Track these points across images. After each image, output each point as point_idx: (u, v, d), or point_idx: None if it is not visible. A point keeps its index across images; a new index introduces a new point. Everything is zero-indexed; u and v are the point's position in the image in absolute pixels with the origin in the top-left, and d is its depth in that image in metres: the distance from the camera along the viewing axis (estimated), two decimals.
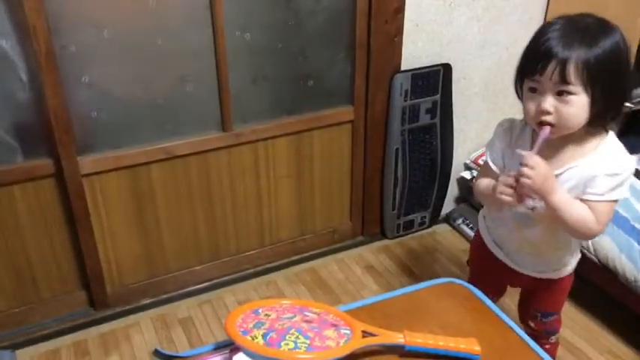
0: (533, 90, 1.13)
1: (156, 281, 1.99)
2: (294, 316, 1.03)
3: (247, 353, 0.88)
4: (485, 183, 1.30)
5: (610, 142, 1.18)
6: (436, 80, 2.12)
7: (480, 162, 2.31)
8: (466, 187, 2.41)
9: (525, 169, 1.12)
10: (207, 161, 1.90)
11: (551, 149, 1.19)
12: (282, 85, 1.94)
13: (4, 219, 1.68)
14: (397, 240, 2.33)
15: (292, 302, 1.10)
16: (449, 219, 2.44)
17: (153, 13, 1.64)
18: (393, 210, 2.27)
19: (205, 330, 1.87)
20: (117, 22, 1.60)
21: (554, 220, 1.20)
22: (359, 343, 0.93)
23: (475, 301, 1.10)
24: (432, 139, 2.22)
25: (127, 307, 1.95)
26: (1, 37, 1.48)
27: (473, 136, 2.36)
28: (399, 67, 2.05)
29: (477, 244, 1.47)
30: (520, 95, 1.19)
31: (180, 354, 1.01)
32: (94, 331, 1.86)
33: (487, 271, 1.46)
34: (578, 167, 1.17)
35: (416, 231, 2.38)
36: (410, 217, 2.33)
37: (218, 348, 1.01)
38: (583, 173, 1.17)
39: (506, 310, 1.26)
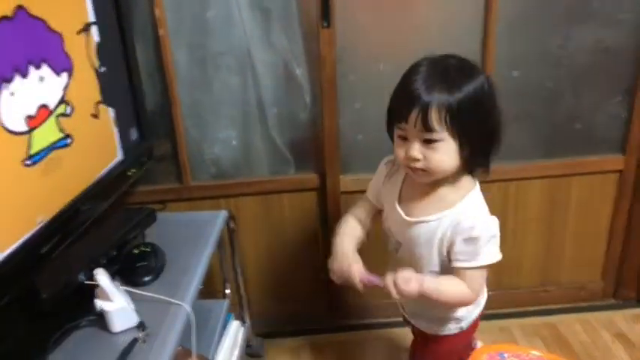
0: (401, 137, 1.12)
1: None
2: None
3: None
4: (350, 220, 1.35)
5: (471, 200, 1.15)
6: None
7: None
8: None
9: (392, 288, 1.11)
10: None
11: (415, 192, 1.19)
12: (544, 126, 1.86)
13: (273, 222, 1.91)
14: None
15: (543, 354, 1.05)
16: None
17: (427, 52, 1.71)
18: None
19: None
20: (393, 58, 1.69)
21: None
22: None
23: None
24: None
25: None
26: (297, 65, 1.71)
27: None
28: None
29: None
30: (392, 139, 1.18)
31: None
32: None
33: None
34: (432, 222, 1.16)
35: None
36: None
37: None
38: (436, 230, 1.15)
39: None
